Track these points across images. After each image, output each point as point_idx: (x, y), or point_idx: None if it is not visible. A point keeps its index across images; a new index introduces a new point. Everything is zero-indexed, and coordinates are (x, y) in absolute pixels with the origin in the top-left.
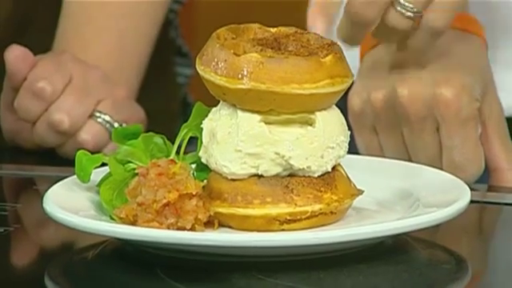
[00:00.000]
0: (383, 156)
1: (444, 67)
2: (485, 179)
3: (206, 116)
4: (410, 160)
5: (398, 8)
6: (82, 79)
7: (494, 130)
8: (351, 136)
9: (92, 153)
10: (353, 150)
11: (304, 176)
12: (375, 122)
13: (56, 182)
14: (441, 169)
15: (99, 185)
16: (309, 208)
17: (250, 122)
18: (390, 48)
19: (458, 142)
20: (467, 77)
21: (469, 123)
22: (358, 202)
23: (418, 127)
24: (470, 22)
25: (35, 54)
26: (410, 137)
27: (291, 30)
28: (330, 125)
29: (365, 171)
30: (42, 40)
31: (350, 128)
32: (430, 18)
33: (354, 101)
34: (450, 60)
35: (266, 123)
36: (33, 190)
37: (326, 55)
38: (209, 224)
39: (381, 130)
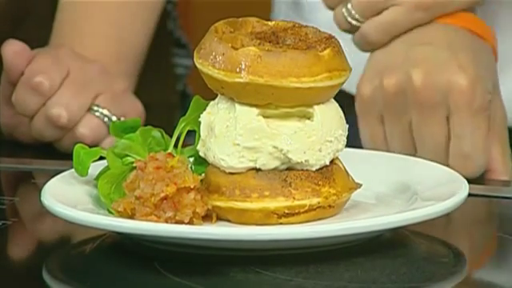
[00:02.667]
0: (387, 146)
1: (459, 59)
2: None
3: (204, 109)
4: (414, 150)
5: (344, 10)
6: (79, 73)
7: (494, 132)
8: (355, 125)
9: (90, 147)
10: (356, 138)
11: (302, 170)
12: (384, 109)
13: (54, 176)
14: (444, 161)
15: (97, 178)
16: (307, 202)
17: (248, 115)
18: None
19: (468, 132)
20: (481, 69)
21: (481, 114)
22: (356, 195)
23: (428, 114)
24: (484, 28)
25: (32, 47)
26: (418, 124)
27: (289, 23)
28: (328, 118)
29: (363, 165)
30: (39, 33)
31: (353, 118)
32: (364, 31)
33: (365, 88)
34: (465, 54)
35: (264, 117)
36: (31, 183)
37: (324, 49)
38: (207, 218)
39: (388, 118)
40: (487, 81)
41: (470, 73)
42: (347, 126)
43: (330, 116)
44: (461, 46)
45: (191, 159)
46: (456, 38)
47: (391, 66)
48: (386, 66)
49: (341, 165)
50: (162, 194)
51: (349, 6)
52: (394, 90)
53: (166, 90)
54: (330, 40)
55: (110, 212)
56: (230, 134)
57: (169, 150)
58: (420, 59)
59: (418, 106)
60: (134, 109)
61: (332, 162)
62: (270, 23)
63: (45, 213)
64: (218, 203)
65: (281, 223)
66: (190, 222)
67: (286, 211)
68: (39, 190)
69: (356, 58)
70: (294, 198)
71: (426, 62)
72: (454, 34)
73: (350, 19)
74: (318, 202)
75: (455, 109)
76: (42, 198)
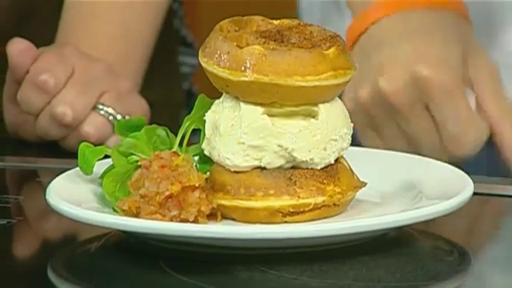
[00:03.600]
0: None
1: (417, 48)
2: (486, 169)
3: (209, 108)
4: (414, 148)
5: None
6: (84, 72)
7: (483, 89)
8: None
9: (95, 145)
10: (354, 143)
11: (307, 168)
12: (368, 119)
13: (59, 174)
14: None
15: (102, 177)
16: (312, 200)
17: (253, 114)
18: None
19: (449, 115)
20: (439, 48)
21: (455, 93)
22: (360, 194)
23: (410, 115)
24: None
25: (37, 45)
26: (406, 126)
27: (294, 22)
28: (333, 117)
29: (368, 163)
30: (44, 32)
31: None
32: None
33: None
34: (423, 38)
35: (269, 116)
36: (35, 182)
37: (329, 47)
38: (212, 216)
39: (378, 126)
40: (452, 56)
41: (429, 59)
42: (352, 124)
43: (334, 114)
44: (416, 30)
45: (196, 158)
46: (410, 24)
47: (360, 77)
48: (356, 75)
49: (346, 163)
50: (167, 193)
51: None
52: (369, 101)
53: (172, 88)
54: (334, 39)
55: (115, 210)
56: (234, 132)
57: (174, 149)
58: (382, 64)
59: (396, 111)
60: (139, 107)
61: (337, 160)
62: (274, 22)
63: (50, 211)
64: (223, 202)
65: (286, 222)
66: (195, 221)
67: (291, 210)
68: (44, 188)
69: None
70: (298, 197)
71: (387, 66)
72: (407, 19)
73: None
74: (323, 201)
75: (429, 99)
76: (46, 197)
